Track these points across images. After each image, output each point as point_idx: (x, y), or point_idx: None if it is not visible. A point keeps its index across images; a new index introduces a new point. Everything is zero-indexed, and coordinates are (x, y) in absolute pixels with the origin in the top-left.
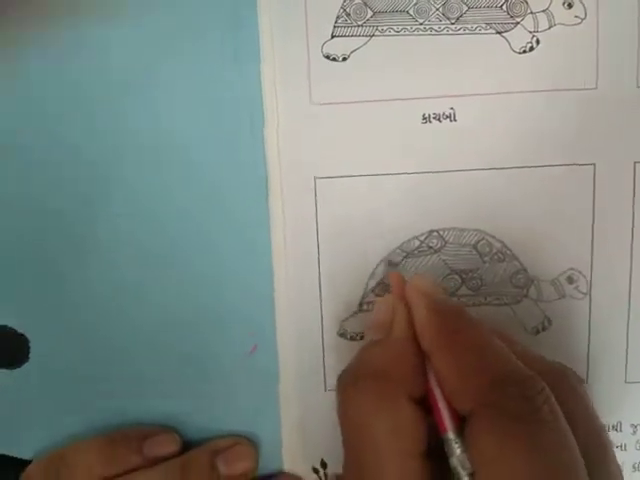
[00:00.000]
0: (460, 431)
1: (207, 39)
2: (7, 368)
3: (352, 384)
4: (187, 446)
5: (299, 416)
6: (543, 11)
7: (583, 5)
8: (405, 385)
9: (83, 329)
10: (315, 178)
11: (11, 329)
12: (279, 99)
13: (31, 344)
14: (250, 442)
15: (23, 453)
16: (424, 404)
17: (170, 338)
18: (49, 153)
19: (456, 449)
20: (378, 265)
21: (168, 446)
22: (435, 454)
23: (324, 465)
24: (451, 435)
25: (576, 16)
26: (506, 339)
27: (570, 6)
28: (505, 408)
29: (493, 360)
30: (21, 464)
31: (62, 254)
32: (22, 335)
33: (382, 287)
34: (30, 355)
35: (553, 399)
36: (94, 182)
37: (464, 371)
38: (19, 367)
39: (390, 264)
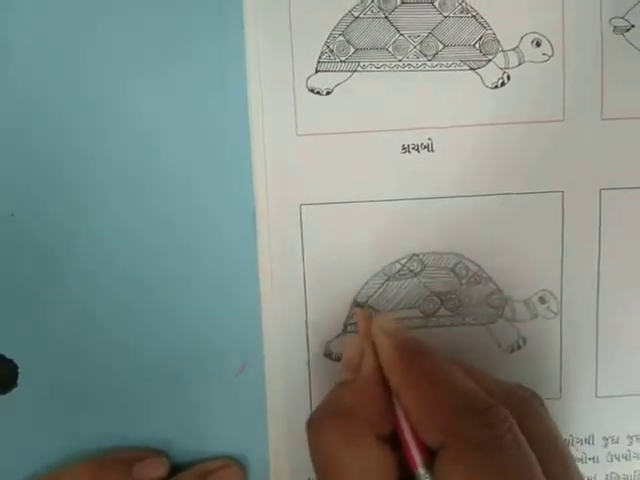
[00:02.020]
0: (430, 465)
1: (196, 73)
2: None
3: (320, 424)
4: (176, 469)
5: (286, 437)
6: (513, 49)
7: (550, 44)
8: (372, 424)
9: (70, 355)
10: (300, 205)
11: (0, 355)
12: (266, 130)
13: (19, 370)
14: (238, 463)
15: (12, 477)
16: (394, 441)
17: (158, 361)
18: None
19: None
20: (362, 287)
21: (157, 469)
22: None
23: None
24: (421, 470)
25: (544, 54)
26: (466, 367)
27: (538, 44)
28: (470, 438)
29: (455, 391)
30: None
31: (45, 280)
32: (11, 361)
33: (365, 309)
34: (18, 381)
35: (515, 426)
36: (78, 211)
37: (429, 405)
38: (7, 392)
39: (356, 303)
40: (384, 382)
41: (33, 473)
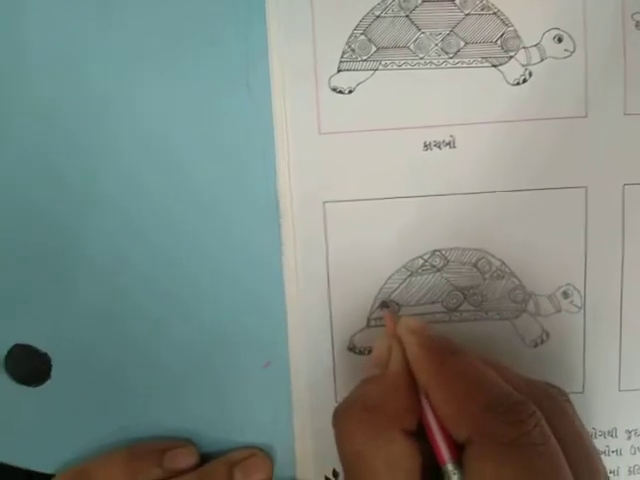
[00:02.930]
0: (459, 460)
1: (219, 73)
2: (30, 385)
3: (347, 416)
4: (205, 458)
5: (311, 427)
6: (535, 46)
7: (572, 39)
8: (398, 419)
9: (103, 347)
10: (324, 202)
11: (34, 348)
12: (289, 129)
13: (53, 362)
14: (265, 453)
15: (45, 468)
16: (421, 436)
17: (187, 355)
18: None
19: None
20: (385, 283)
21: (187, 459)
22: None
23: (336, 474)
24: (450, 467)
25: (566, 49)
26: (494, 365)
27: (560, 40)
28: (498, 434)
29: (484, 388)
30: (43, 478)
31: (77, 274)
32: (45, 354)
33: (388, 304)
34: (52, 373)
35: (544, 422)
36: (113, 212)
37: (457, 401)
38: (42, 384)
39: (383, 304)
40: (411, 379)
41: (66, 464)
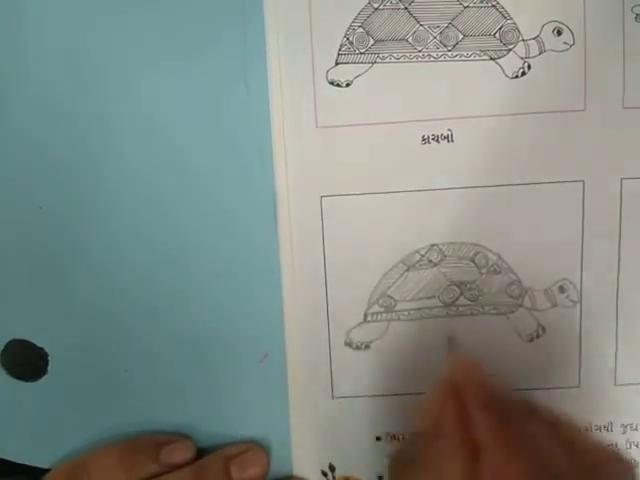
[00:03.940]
0: None
1: (216, 66)
2: (27, 380)
3: (404, 473)
4: (201, 453)
5: (308, 422)
6: (534, 38)
7: (571, 32)
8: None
9: (99, 343)
10: (321, 197)
11: (31, 343)
12: (286, 123)
13: (49, 357)
14: (261, 448)
15: (42, 462)
16: None
17: (183, 349)
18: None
19: None
20: (382, 278)
21: (183, 453)
22: None
23: (332, 468)
24: None
25: (565, 42)
26: (560, 422)
27: (559, 33)
28: None
29: (543, 462)
30: (40, 472)
31: (72, 270)
32: (41, 349)
33: (385, 298)
34: (48, 368)
35: None
36: (104, 203)
37: (523, 465)
38: (38, 379)
39: (452, 342)
40: (465, 441)
41: (62, 458)
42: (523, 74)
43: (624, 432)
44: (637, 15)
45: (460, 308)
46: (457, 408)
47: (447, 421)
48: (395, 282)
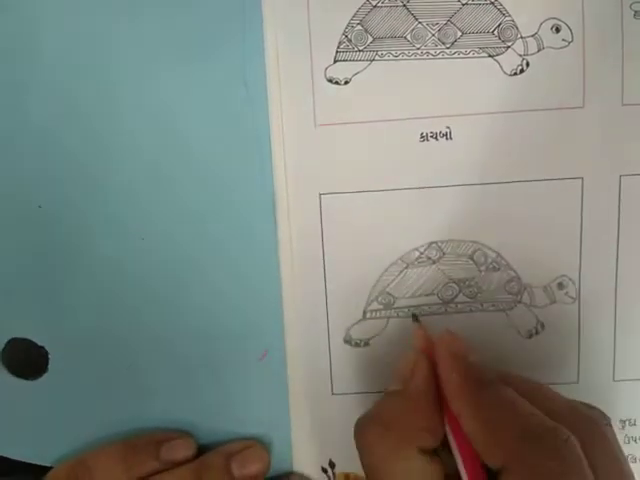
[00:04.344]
0: None
1: (216, 64)
2: (28, 379)
3: (367, 431)
4: (202, 450)
5: (308, 419)
6: (532, 36)
7: (570, 29)
8: (415, 437)
9: (99, 341)
10: (320, 194)
11: (31, 342)
12: (285, 121)
13: (50, 356)
14: (262, 445)
15: (43, 460)
16: (444, 453)
17: (184, 347)
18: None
19: None
20: (381, 275)
21: (184, 450)
22: None
23: (332, 465)
24: None
25: (563, 39)
26: (535, 388)
27: (558, 30)
28: (532, 462)
29: (518, 416)
30: (41, 470)
31: (72, 268)
32: (41, 347)
33: (384, 296)
34: (49, 366)
35: (577, 448)
36: (101, 201)
37: (491, 429)
38: (39, 378)
39: (415, 318)
40: (433, 398)
41: (64, 456)
42: (522, 71)
43: (623, 427)
44: (636, 12)
45: (459, 305)
46: (429, 368)
47: (416, 376)
48: (394, 279)
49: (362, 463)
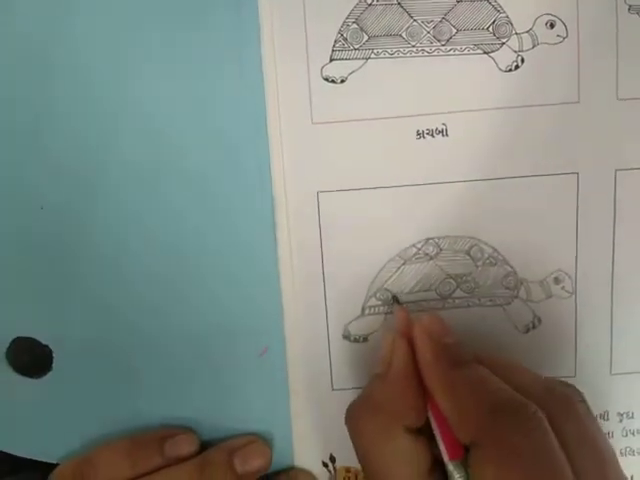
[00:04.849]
0: (464, 460)
1: (212, 66)
2: (33, 377)
3: (356, 415)
4: (204, 446)
5: (308, 414)
6: (527, 32)
7: (564, 25)
8: (401, 417)
9: (102, 339)
10: (318, 192)
11: (36, 341)
12: (282, 120)
13: (54, 354)
14: (264, 440)
15: (49, 457)
16: (428, 431)
17: (185, 345)
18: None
19: (456, 478)
20: (379, 272)
21: (187, 446)
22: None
23: (333, 459)
24: (450, 467)
25: (558, 35)
26: (507, 365)
27: (552, 26)
28: (500, 437)
29: (488, 392)
30: (47, 468)
31: (75, 268)
32: (46, 346)
33: (382, 292)
34: (53, 365)
35: (546, 424)
36: (101, 202)
37: (463, 407)
38: (44, 376)
39: (395, 300)
40: (414, 378)
41: (69, 453)
42: (517, 67)
43: (620, 420)
44: (630, 6)
45: (456, 300)
46: (407, 349)
47: (396, 358)
48: (392, 275)
49: (354, 448)
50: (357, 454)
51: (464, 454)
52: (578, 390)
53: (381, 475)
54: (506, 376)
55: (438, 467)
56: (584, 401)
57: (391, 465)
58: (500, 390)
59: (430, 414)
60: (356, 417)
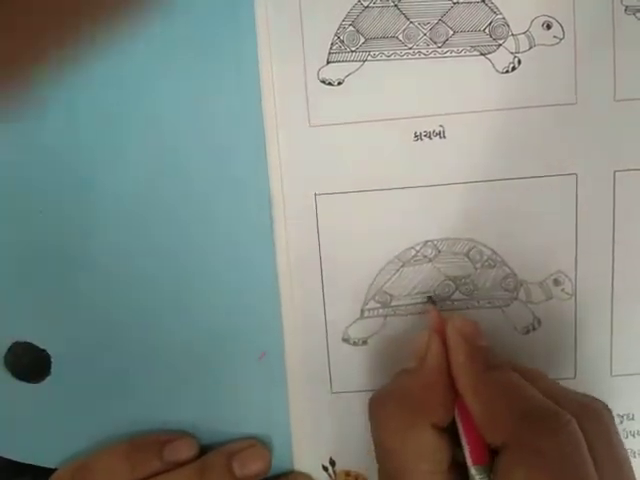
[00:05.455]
0: (489, 465)
1: (208, 68)
2: (31, 382)
3: (381, 406)
4: (204, 450)
5: (308, 418)
6: (523, 33)
7: (561, 26)
8: (430, 413)
9: (100, 344)
10: (315, 195)
11: (34, 345)
12: (279, 122)
13: (52, 359)
14: (263, 444)
15: (47, 462)
16: (452, 430)
17: (184, 349)
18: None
19: None
20: (378, 274)
21: (187, 451)
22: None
23: (333, 463)
24: (472, 470)
25: (555, 36)
26: (537, 376)
27: (549, 27)
28: (532, 442)
29: (521, 399)
30: (45, 472)
31: (73, 272)
32: (44, 351)
33: (381, 294)
34: (51, 369)
35: (578, 433)
36: (98, 206)
37: (495, 410)
38: (42, 381)
39: (430, 300)
40: (446, 376)
41: (68, 458)
42: (513, 69)
43: (621, 422)
44: (627, 7)
45: (455, 303)
46: (441, 347)
47: (430, 355)
48: (391, 278)
49: (374, 439)
50: (376, 445)
51: (489, 460)
52: (607, 406)
53: (400, 470)
54: (538, 386)
55: (455, 467)
56: (612, 418)
57: (413, 460)
58: (534, 396)
59: (457, 417)
60: (381, 407)
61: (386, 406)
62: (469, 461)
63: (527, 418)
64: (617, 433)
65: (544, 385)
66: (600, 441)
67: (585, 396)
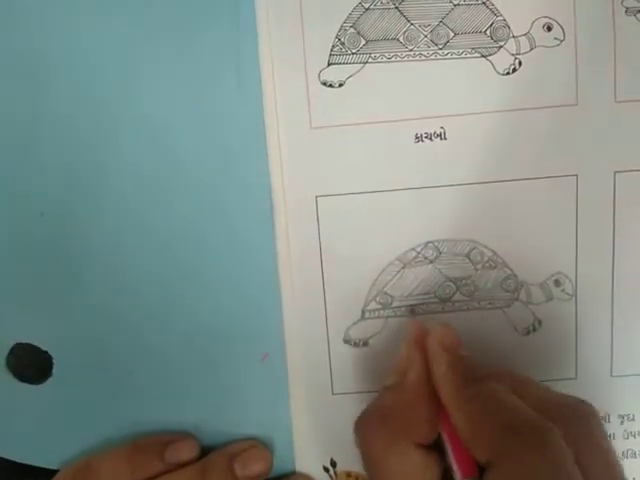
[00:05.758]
0: (477, 478)
1: (209, 69)
2: (33, 383)
3: (365, 425)
4: (205, 451)
5: (309, 419)
6: (524, 35)
7: (561, 27)
8: (411, 431)
9: (102, 345)
10: (316, 196)
11: (36, 347)
12: (280, 124)
13: (54, 360)
14: (264, 445)
15: (49, 463)
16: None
17: (185, 351)
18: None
19: None
20: (379, 275)
21: (188, 452)
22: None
23: (334, 464)
24: None
25: (555, 38)
26: (523, 381)
27: (549, 29)
28: (514, 455)
29: (503, 410)
30: (48, 474)
31: (75, 273)
32: (46, 352)
33: (382, 295)
34: (53, 371)
35: (561, 441)
36: (98, 208)
37: (478, 423)
38: (44, 382)
39: (412, 312)
40: (429, 390)
41: (70, 459)
42: (514, 70)
43: (621, 423)
44: (627, 8)
45: (456, 304)
46: (422, 361)
47: (411, 370)
48: (392, 279)
49: (362, 458)
50: (364, 466)
51: (477, 472)
52: (593, 407)
53: None
54: (524, 392)
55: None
56: (599, 418)
57: (398, 478)
58: (516, 408)
59: (442, 431)
60: (366, 428)
61: (369, 425)
62: (458, 476)
63: (509, 431)
64: (606, 437)
65: (535, 392)
66: (589, 446)
67: (570, 398)
